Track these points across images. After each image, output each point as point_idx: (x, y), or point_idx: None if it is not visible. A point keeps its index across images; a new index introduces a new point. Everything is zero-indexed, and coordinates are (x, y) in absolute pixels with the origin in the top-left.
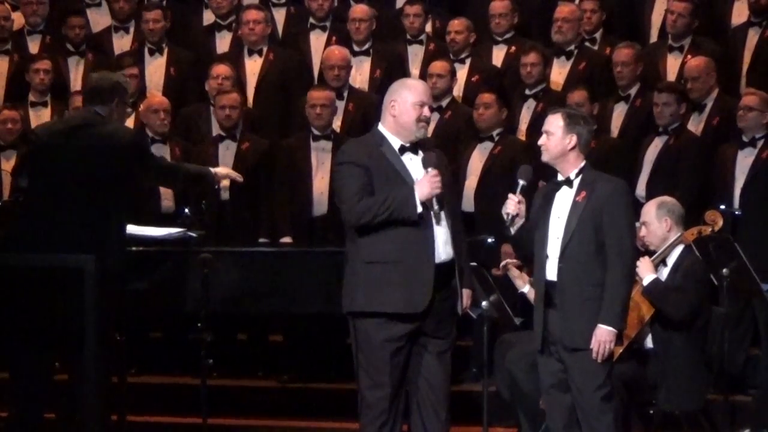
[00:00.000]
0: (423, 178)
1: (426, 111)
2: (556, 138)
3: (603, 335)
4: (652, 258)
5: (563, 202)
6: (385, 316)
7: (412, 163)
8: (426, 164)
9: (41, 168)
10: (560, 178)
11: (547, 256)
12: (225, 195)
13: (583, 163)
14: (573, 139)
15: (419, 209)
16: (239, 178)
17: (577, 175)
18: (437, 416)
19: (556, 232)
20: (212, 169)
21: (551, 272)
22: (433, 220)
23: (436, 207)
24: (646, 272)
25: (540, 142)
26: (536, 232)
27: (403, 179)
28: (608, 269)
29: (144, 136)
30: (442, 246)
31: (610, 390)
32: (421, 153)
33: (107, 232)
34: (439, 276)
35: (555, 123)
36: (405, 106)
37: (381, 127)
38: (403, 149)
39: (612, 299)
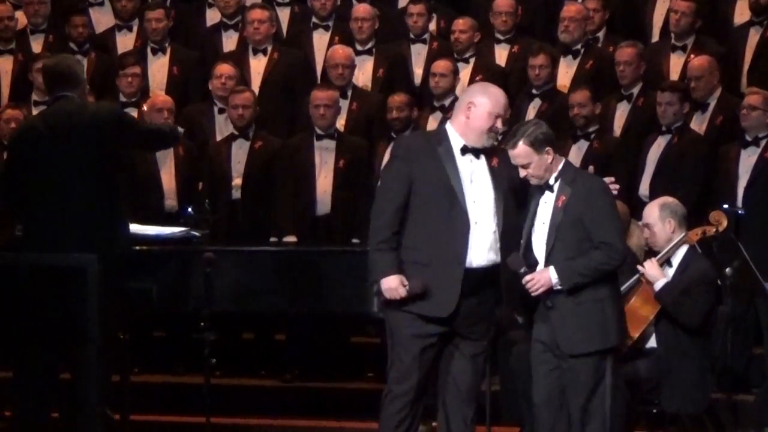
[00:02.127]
0: (397, 281)
1: (499, 123)
2: (535, 162)
3: (544, 277)
4: (657, 258)
5: (546, 207)
6: (416, 314)
7: (472, 165)
8: (413, 284)
9: (38, 170)
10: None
11: (537, 262)
12: (236, 194)
13: (561, 165)
14: (550, 152)
15: (373, 288)
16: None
17: (556, 179)
18: (463, 417)
19: (541, 238)
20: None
21: None
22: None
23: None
24: (656, 276)
25: (522, 175)
26: (528, 238)
27: (448, 186)
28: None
29: (120, 106)
30: (485, 251)
31: (602, 393)
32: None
33: (116, 221)
34: (474, 280)
35: (524, 152)
36: (482, 113)
37: (448, 126)
38: (465, 150)
39: (580, 264)
